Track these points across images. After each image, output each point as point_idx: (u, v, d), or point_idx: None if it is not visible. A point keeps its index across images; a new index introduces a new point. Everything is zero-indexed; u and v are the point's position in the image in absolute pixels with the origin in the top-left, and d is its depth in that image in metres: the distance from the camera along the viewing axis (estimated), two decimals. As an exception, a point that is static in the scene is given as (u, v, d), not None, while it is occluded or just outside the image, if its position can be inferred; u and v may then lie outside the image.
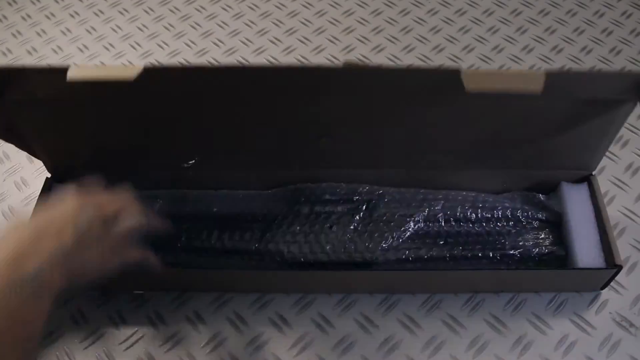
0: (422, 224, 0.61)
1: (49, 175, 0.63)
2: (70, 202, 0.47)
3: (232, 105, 0.53)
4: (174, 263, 0.58)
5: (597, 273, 0.56)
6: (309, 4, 0.91)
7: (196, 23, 0.90)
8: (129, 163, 0.61)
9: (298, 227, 0.60)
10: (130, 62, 0.84)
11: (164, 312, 0.59)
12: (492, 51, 0.83)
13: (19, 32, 0.90)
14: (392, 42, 0.85)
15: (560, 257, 0.58)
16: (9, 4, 0.94)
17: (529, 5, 0.89)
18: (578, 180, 0.61)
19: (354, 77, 0.49)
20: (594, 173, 0.61)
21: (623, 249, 0.62)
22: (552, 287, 0.59)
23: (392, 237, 0.59)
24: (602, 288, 0.58)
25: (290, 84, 0.50)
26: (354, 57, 0.83)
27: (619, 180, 0.68)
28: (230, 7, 0.91)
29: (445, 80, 0.48)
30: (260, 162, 0.61)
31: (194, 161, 0.60)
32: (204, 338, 0.58)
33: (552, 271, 0.58)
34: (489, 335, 0.57)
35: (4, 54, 0.87)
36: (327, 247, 0.59)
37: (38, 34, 0.89)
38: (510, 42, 0.84)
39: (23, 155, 0.74)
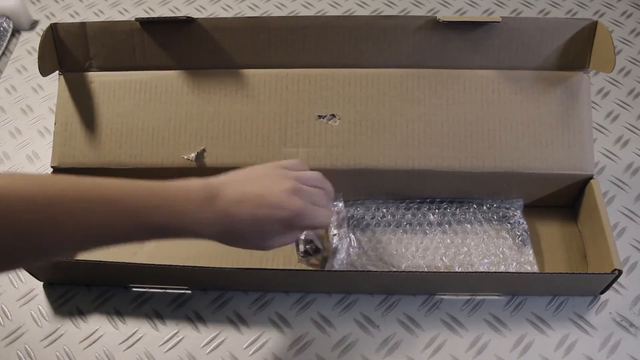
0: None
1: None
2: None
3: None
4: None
5: (596, 278, 0.56)
6: (308, 3, 0.91)
7: (196, 23, 0.89)
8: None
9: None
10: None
11: (164, 312, 0.59)
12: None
13: (18, 32, 0.90)
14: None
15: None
16: (9, 3, 0.94)
17: (530, 5, 0.89)
18: (579, 183, 0.61)
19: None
20: (595, 177, 0.60)
21: (623, 249, 0.62)
22: (551, 290, 0.59)
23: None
24: (602, 293, 0.58)
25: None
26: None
27: (619, 180, 0.68)
28: (230, 7, 0.91)
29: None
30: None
31: (196, 153, 0.61)
32: (204, 338, 0.58)
33: (551, 275, 0.58)
34: (489, 335, 0.57)
35: (4, 54, 0.87)
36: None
37: (38, 34, 0.89)
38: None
39: (23, 155, 0.74)
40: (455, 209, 0.63)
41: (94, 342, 0.58)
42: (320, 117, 0.61)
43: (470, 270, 0.59)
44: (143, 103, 0.63)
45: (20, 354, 0.57)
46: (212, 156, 0.61)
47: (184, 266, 0.55)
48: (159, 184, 0.43)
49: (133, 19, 0.62)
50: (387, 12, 0.89)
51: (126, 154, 0.62)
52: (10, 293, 0.62)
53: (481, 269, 0.59)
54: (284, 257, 0.62)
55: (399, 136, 0.61)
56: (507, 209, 0.63)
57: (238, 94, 0.62)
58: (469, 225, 0.62)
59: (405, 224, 0.63)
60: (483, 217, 0.63)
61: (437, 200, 0.64)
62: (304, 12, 0.90)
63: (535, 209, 0.64)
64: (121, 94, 0.63)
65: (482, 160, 0.60)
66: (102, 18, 0.91)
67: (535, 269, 0.59)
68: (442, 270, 0.60)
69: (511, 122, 0.60)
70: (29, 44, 0.88)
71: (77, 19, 0.91)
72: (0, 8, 0.88)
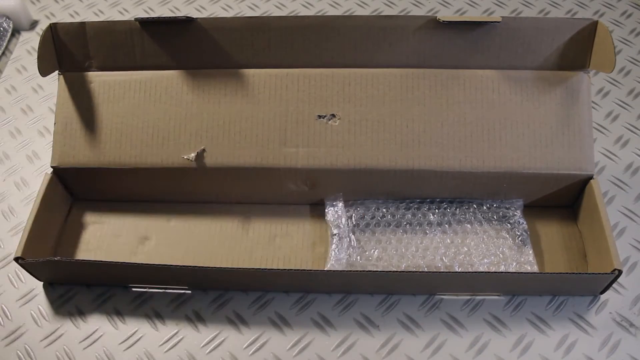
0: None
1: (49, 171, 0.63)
2: None
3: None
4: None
5: (596, 278, 0.56)
6: (308, 3, 0.91)
7: (196, 23, 0.89)
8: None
9: None
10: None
11: (164, 311, 0.59)
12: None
13: (18, 32, 0.90)
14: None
15: None
16: (9, 3, 0.94)
17: (529, 5, 0.89)
18: (579, 183, 0.61)
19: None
20: (595, 177, 0.60)
21: (623, 249, 0.62)
22: (551, 290, 0.59)
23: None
24: (602, 293, 0.58)
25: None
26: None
27: (619, 180, 0.68)
28: (230, 7, 0.91)
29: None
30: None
31: (196, 153, 0.61)
32: (204, 338, 0.58)
33: (551, 274, 0.58)
34: (489, 335, 0.57)
35: (4, 54, 0.87)
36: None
37: (38, 34, 0.89)
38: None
39: (23, 155, 0.74)
40: (455, 209, 0.63)
41: (93, 342, 0.58)
42: (320, 117, 0.61)
43: (470, 270, 0.59)
44: (143, 103, 0.63)
45: (20, 354, 0.57)
46: (212, 156, 0.61)
47: (184, 266, 0.55)
48: None
49: (133, 19, 0.62)
50: (387, 12, 0.89)
51: (126, 154, 0.62)
52: (10, 293, 0.62)
53: (481, 269, 0.59)
54: (284, 257, 0.62)
55: (399, 136, 0.61)
56: (507, 209, 0.63)
57: (238, 94, 0.62)
58: (469, 225, 0.62)
59: (405, 224, 0.63)
60: (483, 217, 0.63)
61: (437, 200, 0.64)
62: (304, 12, 0.90)
63: (535, 209, 0.64)
64: (121, 93, 0.63)
65: (482, 160, 0.60)
66: (102, 18, 0.91)
67: (535, 269, 0.59)
68: (442, 270, 0.60)
69: (511, 122, 0.60)
70: (29, 44, 0.88)
71: (77, 19, 0.91)
72: (0, 8, 0.88)
